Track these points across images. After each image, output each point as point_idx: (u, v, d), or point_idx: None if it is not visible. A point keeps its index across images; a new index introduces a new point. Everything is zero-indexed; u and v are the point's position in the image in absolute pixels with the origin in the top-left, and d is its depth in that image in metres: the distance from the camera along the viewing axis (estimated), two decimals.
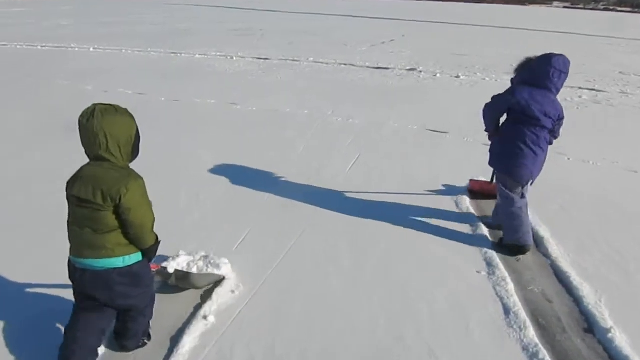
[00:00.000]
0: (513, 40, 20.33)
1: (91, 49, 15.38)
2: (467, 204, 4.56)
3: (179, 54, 14.07)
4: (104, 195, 2.18)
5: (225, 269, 3.29)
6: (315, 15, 38.77)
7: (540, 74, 3.47)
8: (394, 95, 8.95)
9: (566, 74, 3.51)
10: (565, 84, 3.68)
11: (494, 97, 3.75)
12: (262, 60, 12.98)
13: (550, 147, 3.82)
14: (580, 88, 10.16)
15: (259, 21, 30.56)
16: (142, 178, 2.33)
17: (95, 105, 2.20)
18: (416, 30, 25.30)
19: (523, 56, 3.83)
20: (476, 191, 4.78)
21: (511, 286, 3.29)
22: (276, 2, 44.23)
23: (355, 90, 9.36)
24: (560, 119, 3.60)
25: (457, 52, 15.40)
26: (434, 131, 6.84)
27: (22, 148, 5.97)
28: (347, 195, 4.71)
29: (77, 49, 15.46)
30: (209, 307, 2.99)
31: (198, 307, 3.02)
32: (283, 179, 5.05)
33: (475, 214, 4.38)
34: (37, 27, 24.54)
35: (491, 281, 3.36)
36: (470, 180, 4.89)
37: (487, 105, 3.79)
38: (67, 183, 2.31)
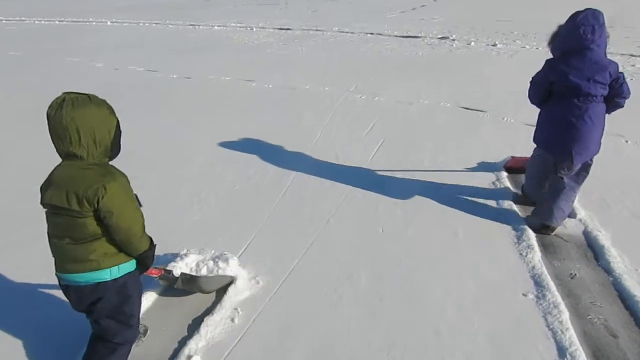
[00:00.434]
0: (557, 3, 18.89)
1: (109, 23, 14.97)
2: (509, 199, 3.90)
3: (197, 27, 13.49)
4: (79, 199, 1.89)
5: (237, 268, 2.96)
6: None
7: (572, 38, 3.13)
8: (424, 68, 8.17)
9: (601, 25, 3.08)
10: (615, 52, 3.03)
11: (532, 80, 3.44)
12: (283, 32, 12.28)
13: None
14: (632, 55, 9.14)
15: None
16: (124, 175, 2.02)
17: (65, 94, 1.90)
18: None
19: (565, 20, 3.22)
20: (516, 169, 4.32)
21: (566, 316, 2.66)
22: None
23: (382, 62, 8.62)
24: (615, 78, 3.14)
25: (494, 17, 14.29)
26: (469, 109, 6.11)
27: (22, 134, 5.56)
28: (369, 187, 4.11)
29: (94, 23, 15.09)
30: (195, 344, 2.49)
31: (183, 343, 2.52)
32: (298, 170, 4.46)
33: (519, 213, 3.72)
34: (59, 2, 24.29)
35: (541, 308, 2.73)
36: (512, 158, 4.47)
37: (529, 90, 3.49)
38: (41, 189, 2.00)
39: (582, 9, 3.14)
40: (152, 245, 2.16)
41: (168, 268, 2.73)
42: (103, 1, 23.45)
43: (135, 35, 12.39)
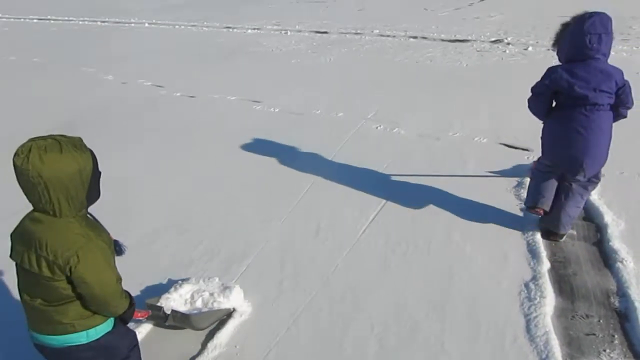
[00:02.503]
0: None
1: (146, 24, 14.54)
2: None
3: (231, 29, 12.70)
4: (49, 265, 1.69)
5: (236, 298, 2.81)
6: None
7: (576, 45, 2.98)
8: (464, 85, 6.86)
9: (608, 33, 2.96)
10: None
11: (533, 89, 3.26)
12: (319, 35, 11.21)
13: None
14: None
15: None
16: (102, 234, 1.83)
17: (32, 141, 1.63)
18: None
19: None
20: None
21: None
22: None
23: (417, 76, 7.38)
24: (621, 86, 3.03)
25: (560, 12, 12.51)
26: (511, 147, 4.85)
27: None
28: (341, 290, 3.03)
29: (133, 25, 14.72)
30: None
31: None
32: (255, 254, 3.42)
33: (555, 342, 2.54)
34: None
35: None
36: (534, 162, 4.05)
37: (529, 100, 3.32)
38: (11, 237, 1.81)
39: (590, 12, 2.96)
40: (131, 304, 2.00)
41: (158, 304, 2.64)
42: None
43: (164, 40, 11.81)
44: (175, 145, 5.28)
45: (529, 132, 5.01)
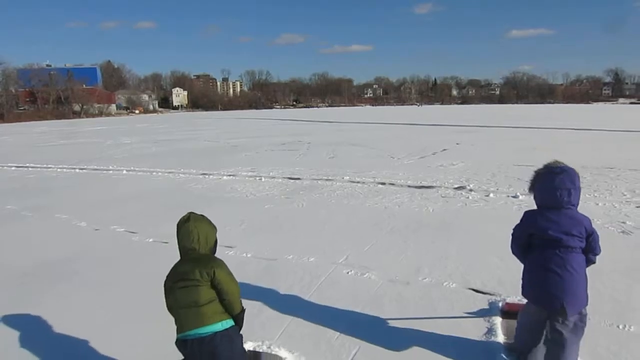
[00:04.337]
0: (580, 142, 18.22)
1: (124, 171, 14.99)
2: None
3: (207, 176, 13.19)
4: (201, 273, 2.85)
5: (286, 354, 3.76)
6: (378, 124, 38.70)
7: (548, 197, 3.29)
8: (431, 230, 7.13)
9: (576, 188, 3.27)
10: None
11: (513, 231, 3.55)
12: (291, 181, 11.73)
13: None
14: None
15: (312, 132, 30.47)
16: (223, 261, 3.02)
17: (190, 213, 3.08)
18: (474, 137, 23.87)
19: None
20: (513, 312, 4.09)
21: None
22: (345, 112, 45.05)
23: (386, 222, 7.65)
24: (590, 234, 3.29)
25: (517, 160, 13.52)
26: (479, 292, 4.92)
27: None
28: None
29: (111, 172, 15.15)
30: None
31: None
32: None
33: None
34: (96, 147, 25.47)
35: None
36: (507, 303, 4.49)
37: (511, 242, 3.58)
38: (167, 277, 2.98)
39: (560, 166, 3.31)
40: (243, 309, 3.05)
41: None
42: (137, 147, 24.36)
43: (140, 186, 12.10)
44: (144, 292, 5.18)
45: (495, 276, 5.21)
